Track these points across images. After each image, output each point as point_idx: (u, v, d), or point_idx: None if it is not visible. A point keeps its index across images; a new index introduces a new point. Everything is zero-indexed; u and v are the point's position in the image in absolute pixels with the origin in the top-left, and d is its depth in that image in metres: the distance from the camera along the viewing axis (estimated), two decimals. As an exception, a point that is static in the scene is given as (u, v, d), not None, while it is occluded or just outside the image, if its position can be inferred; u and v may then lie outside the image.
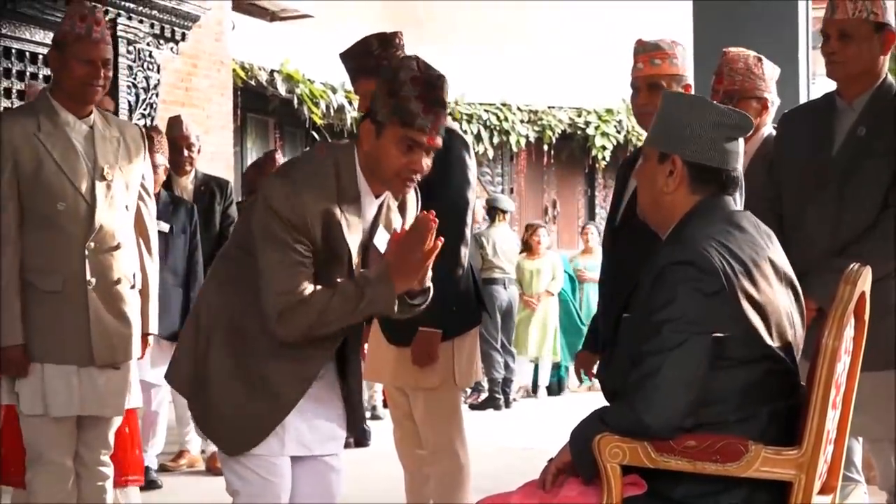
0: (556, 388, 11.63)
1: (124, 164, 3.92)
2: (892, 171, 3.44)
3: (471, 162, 4.06)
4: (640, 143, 14.66)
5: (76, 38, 3.75)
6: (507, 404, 10.56)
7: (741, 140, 2.73)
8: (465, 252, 4.00)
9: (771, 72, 4.19)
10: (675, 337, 2.52)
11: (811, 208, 3.52)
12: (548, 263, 11.26)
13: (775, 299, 2.62)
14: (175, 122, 6.56)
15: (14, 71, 7.56)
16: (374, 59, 4.00)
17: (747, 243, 2.62)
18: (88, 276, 3.77)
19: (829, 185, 3.51)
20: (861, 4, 3.48)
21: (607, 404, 2.72)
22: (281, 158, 7.57)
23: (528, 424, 9.48)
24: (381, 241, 3.12)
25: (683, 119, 2.70)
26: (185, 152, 6.44)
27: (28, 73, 7.64)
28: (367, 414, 8.71)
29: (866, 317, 2.69)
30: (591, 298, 11.58)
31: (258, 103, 11.62)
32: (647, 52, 3.78)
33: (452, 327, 4.01)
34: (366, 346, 4.34)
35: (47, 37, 7.64)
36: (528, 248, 11.12)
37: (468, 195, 4.02)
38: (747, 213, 2.74)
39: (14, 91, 7.56)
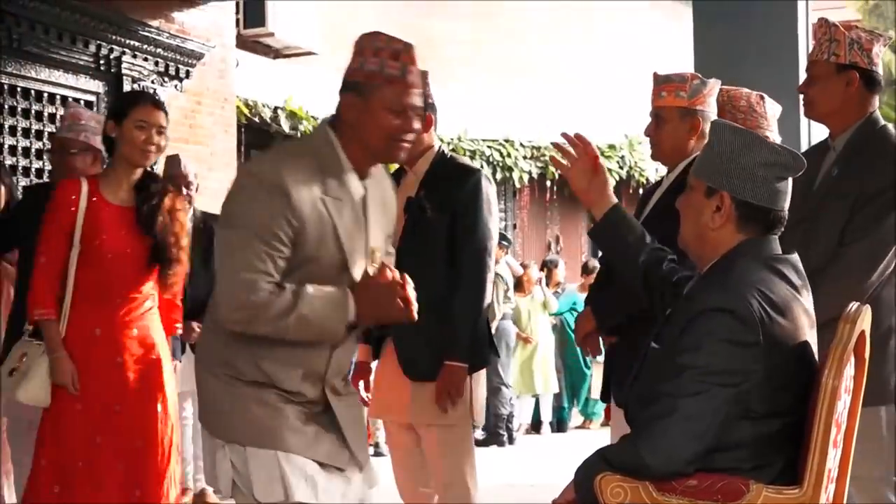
0: (555, 426, 11.62)
1: (387, 239, 3.19)
2: (849, 211, 3.46)
3: (494, 200, 4.20)
4: (642, 179, 14.73)
5: (387, 80, 2.93)
6: (511, 440, 10.53)
7: (790, 180, 2.70)
8: (490, 287, 4.12)
9: (772, 110, 4.23)
10: (694, 385, 2.49)
11: (784, 247, 3.54)
12: (538, 298, 11.29)
13: (806, 351, 2.61)
14: (172, 160, 6.40)
15: (19, 109, 7.60)
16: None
17: (787, 292, 2.60)
18: (328, 376, 3.01)
19: (799, 224, 3.53)
20: (825, 46, 3.58)
21: (609, 442, 2.72)
22: None
23: (533, 461, 9.45)
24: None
25: (735, 155, 2.66)
26: (183, 191, 6.18)
27: (33, 111, 7.68)
28: (371, 450, 8.68)
29: (866, 355, 2.69)
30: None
31: (262, 140, 11.66)
32: (657, 84, 3.82)
33: (474, 363, 4.06)
34: (360, 383, 4.33)
35: (52, 75, 7.70)
36: (518, 285, 11.15)
37: (494, 231, 4.15)
38: (789, 258, 2.70)
39: (19, 129, 7.60)
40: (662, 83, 3.80)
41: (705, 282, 2.69)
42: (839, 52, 3.57)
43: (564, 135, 3.19)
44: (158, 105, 4.21)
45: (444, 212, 4.04)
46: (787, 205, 2.70)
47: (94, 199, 4.10)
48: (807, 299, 2.67)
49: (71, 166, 4.73)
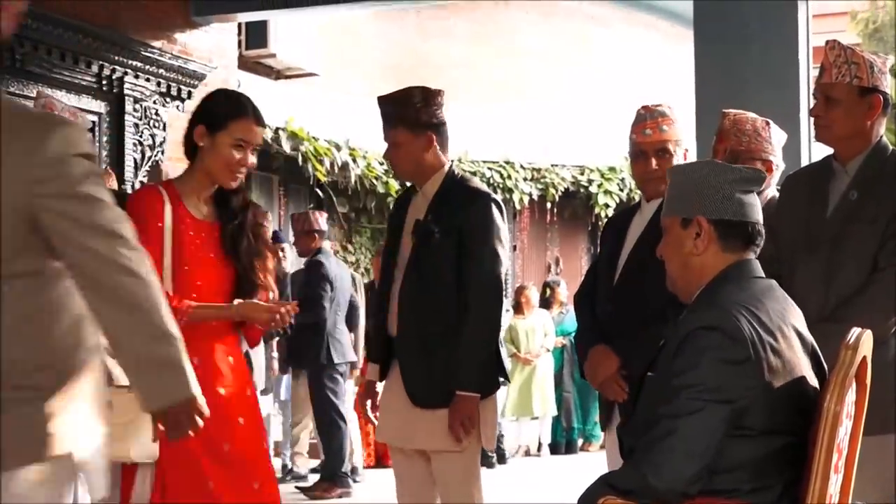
0: (565, 447, 11.58)
1: None
2: (881, 236, 3.44)
3: (503, 224, 4.07)
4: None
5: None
6: (503, 461, 10.48)
7: (756, 194, 2.75)
8: (501, 315, 4.06)
9: (778, 136, 4.22)
10: (692, 404, 2.51)
11: (802, 271, 3.53)
12: (539, 321, 11.28)
13: (799, 370, 2.62)
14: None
15: (21, 128, 7.62)
16: (414, 111, 4.01)
17: (775, 312, 2.63)
18: None
19: (820, 249, 3.52)
20: (845, 69, 3.51)
21: (605, 468, 2.73)
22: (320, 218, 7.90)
23: (532, 484, 9.43)
24: None
25: (697, 182, 2.73)
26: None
27: (35, 131, 7.69)
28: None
29: (868, 381, 2.70)
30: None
31: (263, 160, 11.63)
32: (654, 118, 3.81)
33: (485, 390, 4.00)
34: (367, 402, 4.30)
35: (54, 95, 7.70)
36: (517, 307, 11.14)
37: (503, 258, 4.04)
38: (773, 282, 2.75)
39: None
40: (660, 117, 3.82)
41: (694, 306, 2.73)
42: (861, 74, 3.50)
43: None
44: (260, 121, 3.63)
45: (450, 236, 3.94)
46: (760, 217, 2.76)
47: (180, 212, 3.54)
48: (799, 319, 2.69)
49: None
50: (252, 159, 3.58)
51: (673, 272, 2.81)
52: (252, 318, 3.56)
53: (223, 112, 3.57)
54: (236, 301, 3.53)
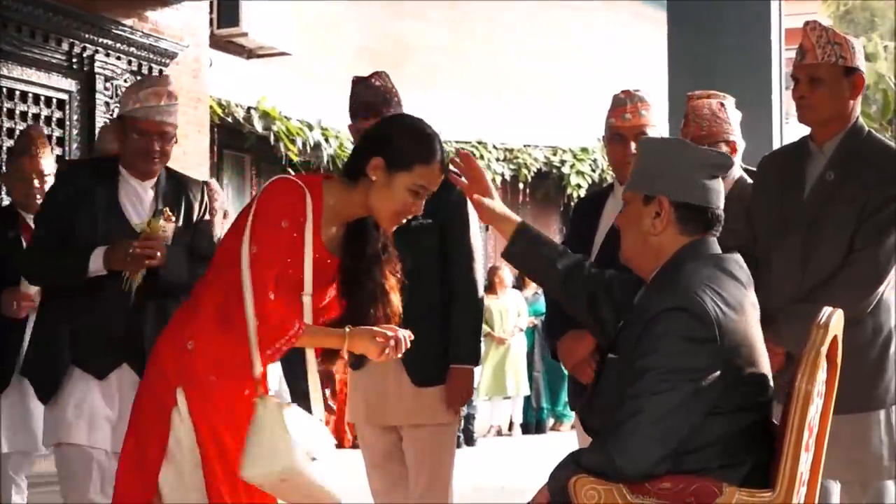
0: (535, 427, 11.64)
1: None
2: (859, 216, 3.45)
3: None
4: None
5: None
6: (471, 441, 10.51)
7: (720, 179, 2.76)
8: (483, 291, 4.20)
9: (735, 115, 4.25)
10: (659, 384, 2.52)
11: (779, 252, 3.55)
12: (512, 301, 11.33)
13: (759, 345, 2.64)
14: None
15: (-10, 106, 7.56)
16: (398, 96, 4.14)
17: (736, 288, 2.65)
18: None
19: (797, 230, 3.53)
20: (830, 49, 3.51)
21: (576, 446, 2.74)
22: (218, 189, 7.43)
23: (503, 463, 9.47)
24: None
25: (665, 161, 2.73)
26: None
27: (5, 109, 7.64)
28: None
29: (839, 360, 2.72)
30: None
31: (235, 140, 11.64)
32: (633, 102, 3.85)
33: (476, 364, 4.15)
34: (325, 391, 4.32)
35: (25, 73, 7.66)
36: (490, 287, 11.18)
37: (481, 235, 4.20)
38: (734, 256, 2.75)
39: (-10, 126, 7.56)
40: (639, 102, 3.85)
41: (655, 287, 2.73)
42: (845, 54, 3.51)
43: (452, 159, 3.11)
44: (446, 164, 3.10)
45: (433, 217, 3.94)
46: (722, 203, 2.75)
47: (313, 227, 3.05)
48: (753, 294, 2.71)
49: (163, 157, 4.24)
50: (421, 206, 3.11)
51: (628, 247, 2.81)
52: (362, 350, 3.09)
53: (412, 154, 3.05)
54: (347, 328, 3.07)
